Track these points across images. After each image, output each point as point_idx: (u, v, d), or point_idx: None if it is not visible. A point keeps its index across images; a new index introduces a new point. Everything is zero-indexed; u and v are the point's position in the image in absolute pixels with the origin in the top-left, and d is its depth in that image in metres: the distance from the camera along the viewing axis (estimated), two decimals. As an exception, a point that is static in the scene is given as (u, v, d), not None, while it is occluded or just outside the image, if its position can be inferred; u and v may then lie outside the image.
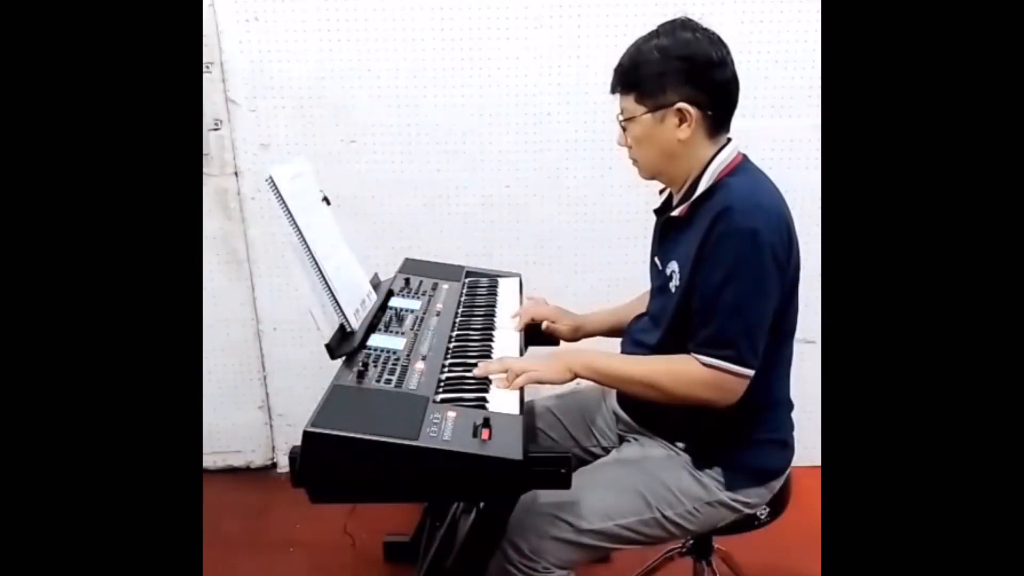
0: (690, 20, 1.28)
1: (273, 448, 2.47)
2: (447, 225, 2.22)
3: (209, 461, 2.44)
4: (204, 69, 2.07)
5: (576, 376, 1.30)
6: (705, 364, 1.22)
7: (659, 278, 1.38)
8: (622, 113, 1.32)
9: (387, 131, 2.15)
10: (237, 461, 2.47)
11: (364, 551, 2.05)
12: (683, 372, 1.24)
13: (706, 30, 1.27)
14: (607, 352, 1.39)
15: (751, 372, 1.22)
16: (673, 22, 1.28)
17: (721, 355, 1.21)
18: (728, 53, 1.27)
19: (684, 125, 1.26)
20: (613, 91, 1.33)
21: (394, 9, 2.05)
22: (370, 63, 2.09)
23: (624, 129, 1.32)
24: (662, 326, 1.34)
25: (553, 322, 1.61)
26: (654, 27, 1.31)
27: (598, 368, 1.30)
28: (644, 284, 1.54)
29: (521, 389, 1.27)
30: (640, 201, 2.12)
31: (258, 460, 2.48)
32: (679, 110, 1.25)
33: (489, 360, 1.35)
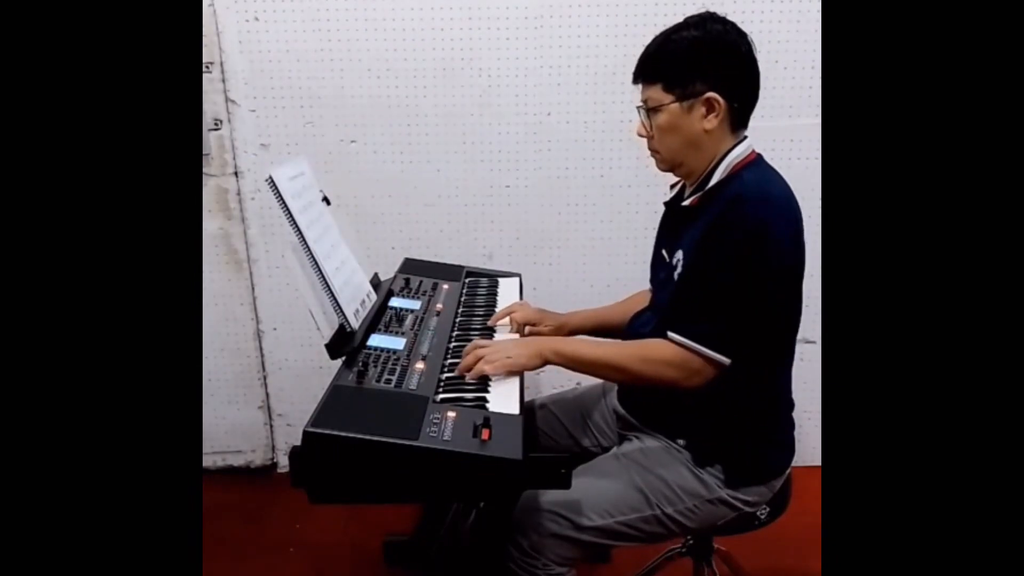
0: (716, 14, 1.28)
1: (273, 448, 2.48)
2: (447, 225, 2.22)
3: (209, 461, 2.44)
4: (204, 69, 2.07)
5: (547, 362, 1.30)
6: (676, 342, 1.23)
7: (664, 269, 1.38)
8: (646, 103, 1.31)
9: (387, 131, 2.15)
10: (237, 461, 2.47)
11: (364, 551, 2.05)
12: (651, 353, 1.25)
13: (733, 24, 1.28)
14: (579, 338, 1.38)
15: (724, 360, 1.22)
16: (701, 15, 1.28)
17: (694, 335, 1.22)
18: (753, 48, 1.27)
19: (711, 116, 1.26)
20: (636, 81, 1.33)
21: (394, 9, 2.05)
22: (370, 63, 2.09)
23: (649, 119, 1.32)
24: (660, 314, 1.34)
25: (534, 324, 1.59)
26: (656, 26, 1.32)
27: (567, 353, 1.30)
28: (645, 284, 1.54)
29: (521, 388, 1.27)
30: (641, 201, 2.12)
31: (258, 460, 2.48)
32: (708, 100, 1.25)
33: (464, 352, 1.33)
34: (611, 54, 2.05)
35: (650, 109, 1.31)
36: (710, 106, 1.26)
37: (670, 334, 1.24)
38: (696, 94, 1.26)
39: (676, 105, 1.27)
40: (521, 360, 1.29)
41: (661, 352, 1.25)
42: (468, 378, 1.28)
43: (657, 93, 1.29)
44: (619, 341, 1.34)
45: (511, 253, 2.20)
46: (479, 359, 1.28)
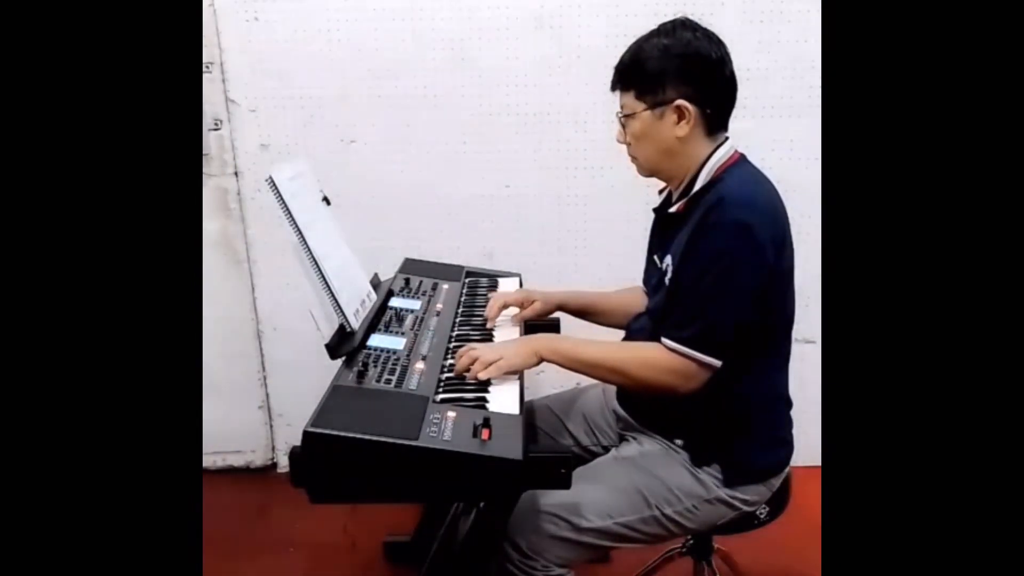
0: (690, 20, 1.30)
1: (273, 448, 2.47)
2: (447, 225, 2.22)
3: (209, 461, 2.44)
4: (204, 69, 2.07)
5: (543, 360, 1.31)
6: (670, 349, 1.24)
7: (656, 274, 1.39)
8: (622, 110, 1.33)
9: (387, 131, 2.15)
10: (237, 461, 2.47)
11: (364, 551, 2.05)
12: (648, 357, 1.26)
13: (706, 30, 1.29)
14: (575, 337, 1.39)
15: (716, 363, 1.23)
16: (674, 22, 1.29)
17: (687, 341, 1.22)
18: (727, 52, 1.28)
19: (683, 122, 1.27)
20: (613, 88, 1.34)
21: (394, 9, 2.05)
22: (370, 63, 2.09)
23: (623, 126, 1.34)
24: (653, 319, 1.35)
25: (521, 306, 1.58)
26: (654, 27, 1.32)
27: (564, 352, 1.31)
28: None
29: (521, 388, 1.28)
30: (640, 201, 2.11)
31: (258, 460, 2.48)
32: (678, 107, 1.26)
33: (459, 354, 1.33)
34: (611, 54, 2.02)
35: (625, 116, 1.32)
36: (680, 113, 1.26)
37: (664, 340, 1.25)
38: (666, 101, 1.26)
39: (648, 113, 1.28)
40: (515, 360, 1.29)
41: (656, 357, 1.25)
42: (472, 377, 1.28)
43: (631, 101, 1.30)
44: (616, 342, 1.34)
45: (511, 253, 2.20)
46: (473, 360, 1.29)
